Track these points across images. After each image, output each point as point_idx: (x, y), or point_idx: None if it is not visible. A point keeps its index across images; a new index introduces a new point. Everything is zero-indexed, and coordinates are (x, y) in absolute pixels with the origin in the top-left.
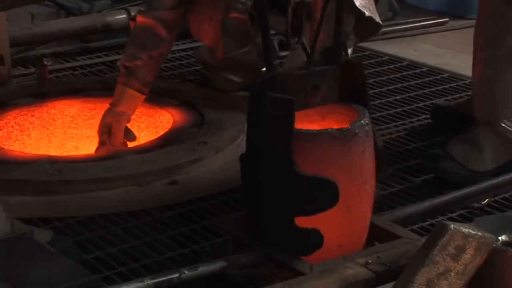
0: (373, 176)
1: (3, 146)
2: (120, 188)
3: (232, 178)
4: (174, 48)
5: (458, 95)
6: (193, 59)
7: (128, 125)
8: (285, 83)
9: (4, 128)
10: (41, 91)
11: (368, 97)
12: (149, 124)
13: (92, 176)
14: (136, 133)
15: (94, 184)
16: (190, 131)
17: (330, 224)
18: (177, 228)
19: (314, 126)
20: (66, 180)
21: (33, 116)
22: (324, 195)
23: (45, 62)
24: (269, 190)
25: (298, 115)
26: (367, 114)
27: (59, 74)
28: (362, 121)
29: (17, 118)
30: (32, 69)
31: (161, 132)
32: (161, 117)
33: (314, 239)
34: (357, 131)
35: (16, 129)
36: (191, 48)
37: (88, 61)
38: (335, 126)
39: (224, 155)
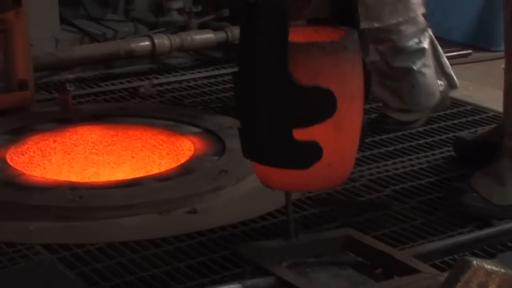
0: (362, 97)
1: (24, 171)
2: (141, 215)
3: (253, 208)
4: (196, 75)
5: (481, 127)
6: (215, 87)
7: (149, 152)
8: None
9: (26, 153)
10: (64, 117)
11: (358, 17)
12: (170, 152)
13: (112, 203)
14: (157, 160)
15: (114, 211)
16: (211, 159)
17: (321, 141)
18: (196, 257)
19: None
20: (86, 206)
21: (55, 141)
22: (322, 104)
23: (68, 88)
24: (265, 104)
25: (294, 31)
26: (356, 34)
27: (82, 100)
28: (352, 36)
29: (39, 143)
30: (55, 94)
31: (182, 160)
32: (182, 145)
33: (313, 151)
34: (347, 45)
35: (38, 154)
36: (213, 76)
37: (111, 87)
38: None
39: (245, 184)
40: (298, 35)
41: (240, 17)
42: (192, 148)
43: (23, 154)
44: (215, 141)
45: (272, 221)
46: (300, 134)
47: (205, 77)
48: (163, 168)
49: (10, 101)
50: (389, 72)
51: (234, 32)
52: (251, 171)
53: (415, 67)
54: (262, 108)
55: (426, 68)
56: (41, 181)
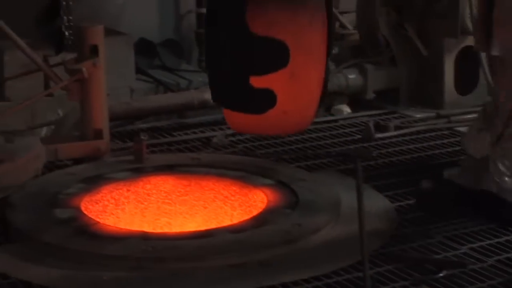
0: (322, 52)
1: (98, 220)
2: (213, 267)
3: (326, 262)
4: None
5: None
6: (287, 138)
7: (221, 203)
8: None
9: (100, 202)
10: (138, 166)
11: None
12: (242, 203)
13: (185, 254)
14: (229, 211)
15: (187, 262)
16: (284, 212)
17: (276, 90)
18: None
19: None
20: (159, 257)
21: (128, 190)
22: (276, 55)
23: (142, 137)
24: (226, 53)
25: None
26: None
27: (155, 149)
28: None
29: (113, 192)
30: (130, 143)
31: (255, 212)
32: (254, 196)
33: (268, 97)
34: (302, 1)
35: (112, 203)
36: None
37: (184, 137)
38: None
39: (319, 238)
40: None
41: None
42: (265, 200)
43: (97, 203)
44: (288, 193)
45: (346, 277)
46: (257, 82)
47: None
48: (235, 220)
49: (85, 150)
50: None
51: None
52: (325, 224)
53: None
54: (224, 57)
55: None
56: (114, 230)
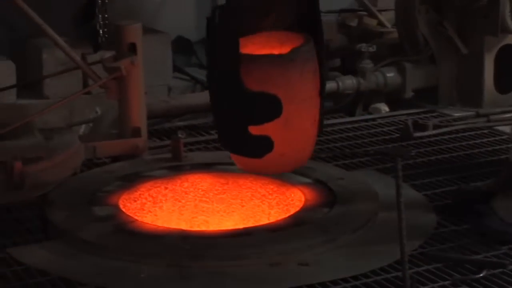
0: (314, 97)
1: (136, 218)
2: (251, 266)
3: (365, 262)
4: None
5: None
6: (325, 137)
7: (259, 201)
8: (237, 11)
9: (138, 199)
10: (175, 164)
11: (320, 23)
12: (280, 202)
13: (223, 253)
14: (266, 210)
15: (225, 260)
16: (322, 210)
17: (273, 136)
18: None
19: (275, 51)
20: (197, 255)
21: (166, 188)
22: (269, 107)
23: (180, 135)
24: (225, 105)
25: (259, 41)
26: (311, 43)
27: (193, 147)
28: (301, 48)
29: (150, 190)
30: (167, 141)
31: (292, 211)
32: (292, 195)
33: (265, 143)
34: (293, 57)
35: (149, 201)
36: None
37: None
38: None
39: (357, 237)
40: (260, 41)
41: (207, 32)
42: (303, 199)
43: (135, 201)
44: (326, 192)
45: (385, 276)
46: (255, 130)
47: None
48: (272, 218)
49: (123, 147)
50: None
51: (345, 82)
52: (363, 223)
53: None
54: (223, 108)
55: None
56: (152, 228)
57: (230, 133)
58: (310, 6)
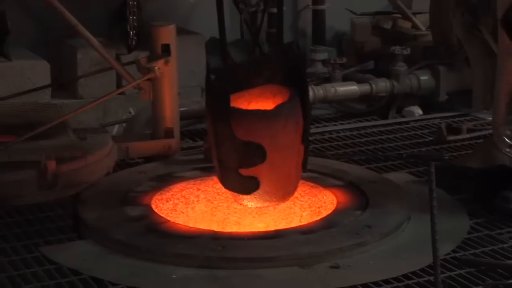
0: (297, 143)
1: (168, 218)
2: (282, 268)
3: (397, 266)
4: (339, 127)
5: None
6: (358, 139)
7: (290, 203)
8: (231, 71)
9: (170, 200)
10: (208, 165)
11: (305, 78)
12: (312, 204)
13: (255, 255)
14: (298, 212)
15: (256, 262)
16: (354, 213)
17: (260, 176)
18: None
19: (268, 102)
20: (229, 257)
21: (198, 189)
22: (255, 155)
23: None
24: (221, 150)
25: (253, 93)
26: (296, 98)
27: None
28: (284, 105)
29: (183, 190)
30: (200, 142)
31: (324, 213)
32: (324, 198)
33: (253, 183)
34: (277, 112)
35: (182, 202)
36: (356, 128)
37: None
38: (282, 101)
39: (389, 240)
40: (256, 93)
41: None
42: (335, 202)
43: (167, 201)
44: (358, 194)
45: (417, 281)
46: (244, 172)
47: (348, 129)
48: (304, 221)
49: (156, 148)
50: None
51: (379, 84)
52: (396, 227)
53: None
54: (219, 151)
55: None
56: (184, 229)
57: (224, 173)
58: (297, 63)
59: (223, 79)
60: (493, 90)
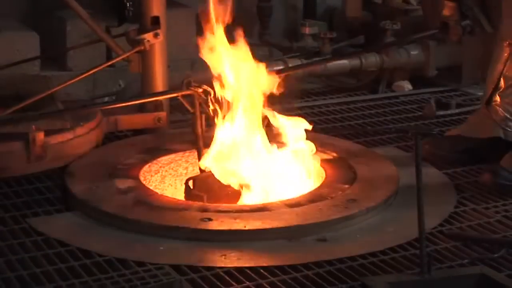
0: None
1: (156, 191)
2: (270, 241)
3: (383, 239)
4: (328, 101)
5: None
6: (347, 114)
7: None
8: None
9: (158, 172)
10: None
11: None
12: (300, 177)
13: (242, 227)
14: (286, 185)
15: (244, 235)
16: (342, 187)
17: None
18: (324, 287)
19: None
20: (216, 229)
21: (187, 162)
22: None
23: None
24: None
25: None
26: None
27: None
28: None
29: (171, 163)
30: (189, 116)
31: (312, 186)
32: (312, 171)
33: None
34: None
35: (170, 174)
36: (345, 102)
37: None
38: None
39: (375, 214)
40: None
41: None
42: (323, 175)
43: (155, 174)
44: (346, 168)
45: (403, 254)
46: None
47: (337, 104)
48: (291, 194)
49: (146, 121)
50: None
51: (368, 59)
52: (381, 201)
53: None
54: None
55: None
56: (172, 201)
57: None
58: None
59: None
60: (483, 65)
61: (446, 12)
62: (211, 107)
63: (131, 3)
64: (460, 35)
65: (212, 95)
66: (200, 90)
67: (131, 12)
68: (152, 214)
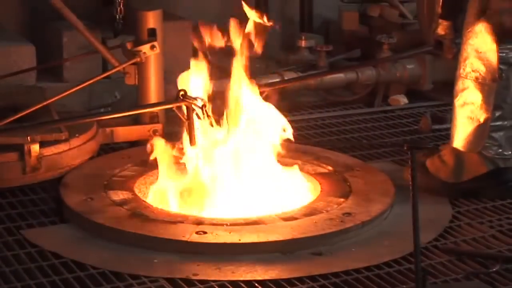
0: None
1: (151, 203)
2: (264, 254)
3: (378, 253)
4: (324, 115)
5: None
6: (343, 127)
7: (274, 190)
8: None
9: (153, 184)
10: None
11: None
12: (296, 191)
13: (236, 240)
14: (281, 198)
15: (238, 248)
16: (337, 201)
17: None
18: None
19: None
20: (210, 242)
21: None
22: None
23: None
24: None
25: None
26: None
27: None
28: None
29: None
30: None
31: (307, 200)
32: (308, 184)
33: None
34: None
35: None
36: (341, 116)
37: None
38: None
39: (371, 228)
40: None
41: None
42: (318, 189)
43: (150, 186)
44: (342, 182)
45: (397, 268)
46: None
47: (333, 117)
48: (287, 207)
49: (141, 133)
50: None
51: (364, 72)
52: (377, 215)
53: None
54: None
55: None
56: (167, 214)
57: None
58: None
59: None
60: None
61: (440, 30)
62: (206, 118)
63: (121, 15)
64: (454, 53)
65: (206, 106)
66: (195, 101)
67: (120, 25)
68: (146, 226)
